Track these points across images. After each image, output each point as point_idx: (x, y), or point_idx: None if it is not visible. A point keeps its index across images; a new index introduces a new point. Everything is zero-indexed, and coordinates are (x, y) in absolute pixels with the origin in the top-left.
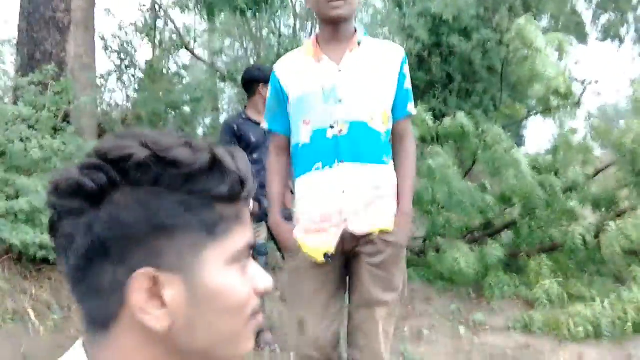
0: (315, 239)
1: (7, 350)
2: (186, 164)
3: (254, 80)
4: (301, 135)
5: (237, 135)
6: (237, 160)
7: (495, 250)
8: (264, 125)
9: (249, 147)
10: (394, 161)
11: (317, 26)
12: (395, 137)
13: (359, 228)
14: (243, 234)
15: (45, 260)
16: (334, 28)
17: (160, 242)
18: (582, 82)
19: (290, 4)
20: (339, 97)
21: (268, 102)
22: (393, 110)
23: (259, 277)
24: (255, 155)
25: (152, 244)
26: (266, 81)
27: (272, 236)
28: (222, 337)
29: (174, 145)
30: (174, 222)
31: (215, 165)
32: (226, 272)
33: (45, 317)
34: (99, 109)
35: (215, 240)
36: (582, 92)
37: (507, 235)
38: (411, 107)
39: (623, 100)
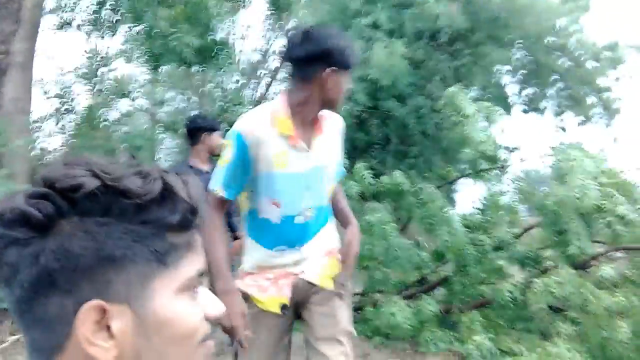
0: (270, 292)
1: None
2: (137, 194)
3: (198, 129)
4: (268, 213)
5: None
6: (189, 188)
7: (430, 306)
8: (212, 185)
9: None
10: (334, 204)
11: (287, 93)
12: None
13: (312, 277)
14: (194, 262)
15: None
16: (317, 112)
17: (109, 273)
18: (508, 149)
19: (236, 60)
20: (309, 184)
21: (228, 166)
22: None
23: (210, 304)
24: None
25: (100, 275)
26: (210, 129)
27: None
28: None
29: (125, 174)
30: (123, 253)
31: (166, 194)
32: (176, 301)
33: None
34: (31, 153)
35: (166, 269)
36: (508, 158)
37: (440, 291)
38: (343, 168)
39: (545, 166)
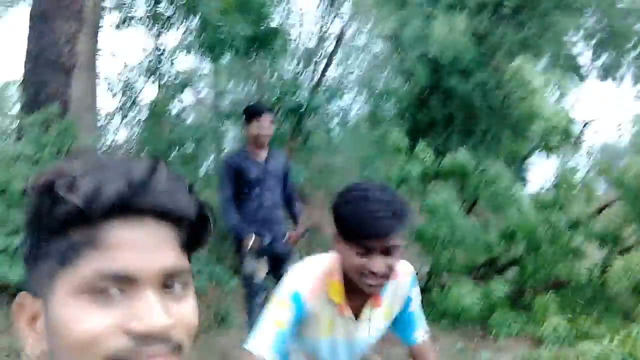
0: None
1: None
2: (31, 194)
3: (244, 117)
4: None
5: (237, 172)
6: (80, 181)
7: (500, 287)
8: (258, 349)
9: (249, 184)
10: None
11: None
12: (416, 358)
13: None
14: (96, 261)
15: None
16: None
17: (31, 269)
18: (582, 122)
19: (291, 47)
20: (354, 354)
21: (283, 332)
22: (401, 334)
23: (138, 315)
24: (256, 191)
25: (28, 270)
26: (249, 117)
27: (273, 268)
28: None
29: (38, 175)
30: (35, 252)
31: (51, 192)
32: (70, 303)
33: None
34: (100, 149)
35: (63, 268)
36: (582, 130)
37: (512, 272)
38: (423, 332)
39: (624, 138)
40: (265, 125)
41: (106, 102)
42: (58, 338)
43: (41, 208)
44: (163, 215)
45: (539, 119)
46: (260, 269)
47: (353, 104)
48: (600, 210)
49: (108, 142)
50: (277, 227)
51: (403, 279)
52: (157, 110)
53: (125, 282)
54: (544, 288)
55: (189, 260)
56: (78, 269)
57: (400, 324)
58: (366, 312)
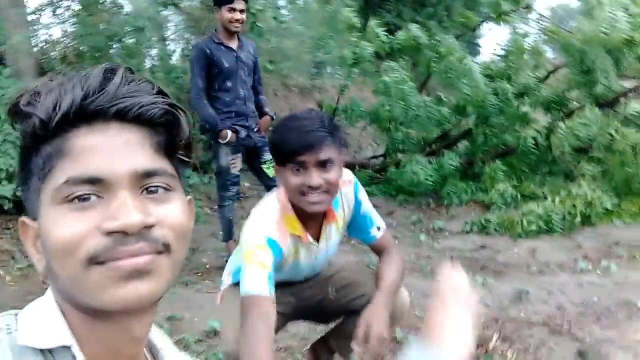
0: None
1: None
2: (8, 119)
3: (214, 2)
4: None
5: (209, 60)
6: (42, 96)
7: (451, 160)
8: (258, 290)
9: (221, 74)
10: (377, 269)
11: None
12: (378, 254)
13: None
14: (65, 169)
15: (1, 210)
16: (313, 213)
17: (25, 192)
18: None
19: None
20: (316, 269)
21: (270, 274)
22: (358, 236)
23: (112, 214)
24: (229, 83)
25: (24, 193)
26: (219, 3)
27: (248, 164)
28: (68, 282)
29: (17, 95)
30: (24, 174)
31: (16, 109)
32: (52, 212)
33: (9, 266)
34: (35, 47)
35: (44, 181)
36: None
37: (463, 145)
38: (376, 229)
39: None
40: (238, 11)
41: None
42: (47, 249)
43: (19, 130)
44: (127, 118)
45: None
46: (235, 163)
47: None
48: (547, 76)
49: (41, 40)
50: (251, 120)
51: (347, 188)
52: (89, 1)
53: (99, 186)
54: (492, 157)
55: (176, 165)
56: (52, 180)
57: (355, 227)
58: (324, 230)
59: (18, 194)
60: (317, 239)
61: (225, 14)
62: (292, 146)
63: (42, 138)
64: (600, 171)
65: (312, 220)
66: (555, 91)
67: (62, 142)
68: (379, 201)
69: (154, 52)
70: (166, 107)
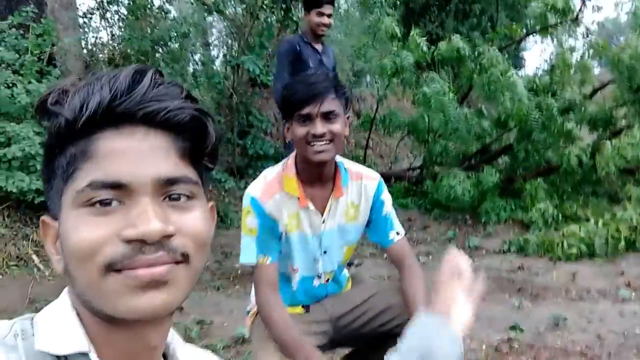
0: None
1: (14, 295)
2: (35, 117)
3: (304, 3)
4: (288, 278)
5: (297, 56)
6: (71, 95)
7: (491, 176)
8: (249, 259)
9: (305, 72)
10: (402, 286)
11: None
12: (395, 262)
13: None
14: (89, 172)
15: (43, 205)
16: (316, 169)
17: (48, 191)
18: None
19: None
20: (324, 248)
21: (258, 236)
22: (377, 239)
23: (132, 222)
24: None
25: (47, 192)
26: (307, 6)
27: None
28: (85, 288)
29: (39, 98)
30: (47, 173)
31: (44, 108)
32: (73, 215)
33: (50, 261)
34: (84, 49)
35: (67, 183)
36: (581, 7)
37: (503, 160)
38: (395, 233)
39: (623, 15)
40: (326, 15)
41: None
42: (65, 252)
43: (45, 128)
44: (154, 122)
45: None
46: None
47: None
48: (594, 93)
49: (90, 42)
50: None
51: (369, 182)
52: (137, 5)
53: (121, 191)
54: (533, 174)
55: (200, 172)
56: (75, 183)
57: (375, 228)
58: (330, 204)
59: None
60: (322, 212)
61: (314, 17)
62: (297, 98)
63: (67, 138)
64: None
65: (316, 189)
66: (602, 108)
67: (87, 144)
68: (414, 214)
69: (197, 57)
70: (194, 112)
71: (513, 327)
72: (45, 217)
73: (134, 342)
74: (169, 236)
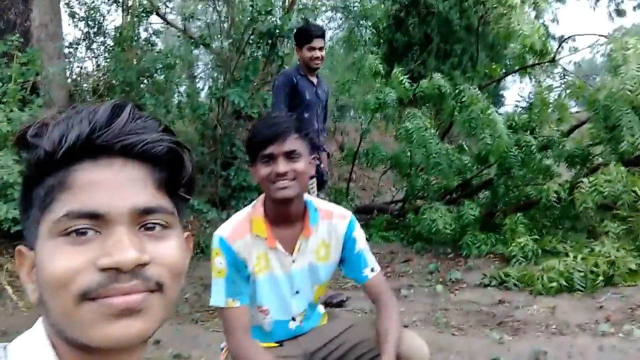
0: None
1: None
2: (14, 148)
3: (295, 40)
4: (259, 322)
5: (294, 89)
6: (50, 128)
7: (472, 210)
8: (218, 302)
9: (302, 105)
10: (376, 323)
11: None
12: (371, 298)
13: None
14: (66, 202)
15: (20, 235)
16: (283, 208)
17: (24, 221)
18: (559, 39)
19: None
20: (296, 288)
21: (227, 278)
22: (352, 275)
23: (108, 250)
24: (307, 115)
25: (23, 222)
26: (299, 43)
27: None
28: (59, 317)
29: (19, 130)
30: (24, 203)
31: (23, 140)
32: (49, 244)
33: (24, 294)
34: (68, 79)
35: (44, 212)
36: (558, 49)
37: (484, 195)
38: (370, 270)
39: (598, 57)
40: (317, 49)
41: (70, 29)
42: (40, 280)
43: (23, 159)
44: (131, 154)
45: (516, 37)
46: (313, 187)
47: (329, 25)
48: (571, 130)
49: (75, 72)
50: (320, 153)
51: (339, 221)
52: (124, 37)
53: (98, 221)
54: (513, 209)
55: (177, 202)
56: (52, 213)
57: (349, 265)
58: (299, 243)
59: None
60: (291, 252)
61: (305, 53)
62: (260, 139)
63: (46, 169)
64: (624, 230)
65: (284, 229)
66: (579, 146)
67: (65, 175)
68: (396, 247)
69: (182, 89)
70: (170, 145)
71: None
72: (21, 247)
73: None
74: (143, 265)
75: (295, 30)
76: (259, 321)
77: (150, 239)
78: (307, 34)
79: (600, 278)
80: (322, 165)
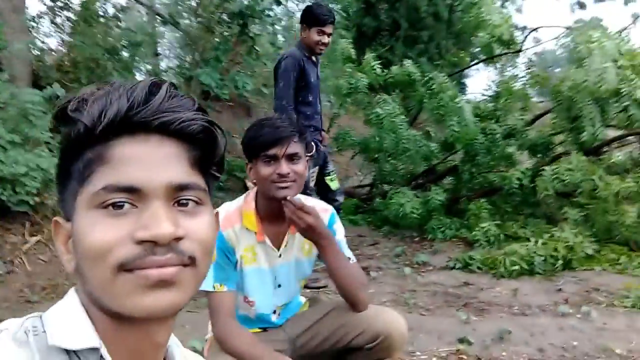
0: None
1: None
2: (53, 122)
3: (301, 18)
4: (245, 310)
5: (302, 71)
6: (89, 103)
7: (437, 195)
8: (206, 286)
9: (307, 87)
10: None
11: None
12: None
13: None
14: (105, 175)
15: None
16: (277, 206)
17: (62, 193)
18: (523, 30)
19: None
20: (278, 282)
21: (216, 263)
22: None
23: (144, 224)
24: (311, 97)
25: (60, 194)
26: (307, 24)
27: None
28: (96, 286)
29: (58, 103)
30: (63, 176)
31: (63, 114)
32: (86, 216)
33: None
34: (32, 54)
35: (81, 186)
36: (524, 40)
37: (449, 181)
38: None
39: (561, 48)
40: (327, 34)
41: (34, 2)
42: (78, 251)
43: (62, 133)
44: (167, 131)
45: (484, 28)
46: (313, 176)
47: (299, 7)
48: (534, 120)
49: (38, 47)
50: (322, 133)
51: (322, 214)
52: (90, 12)
53: (134, 195)
54: (477, 195)
55: (208, 180)
56: (91, 185)
57: None
58: (286, 239)
59: None
60: (278, 247)
61: (314, 35)
62: (264, 140)
63: (85, 143)
64: (582, 217)
65: (274, 226)
66: (541, 135)
67: (103, 150)
68: (364, 230)
69: (148, 67)
70: (205, 123)
71: (461, 340)
72: (58, 218)
73: (141, 340)
74: (178, 239)
75: (307, 9)
76: (246, 310)
77: (184, 215)
78: (320, 17)
79: (560, 262)
80: (325, 144)
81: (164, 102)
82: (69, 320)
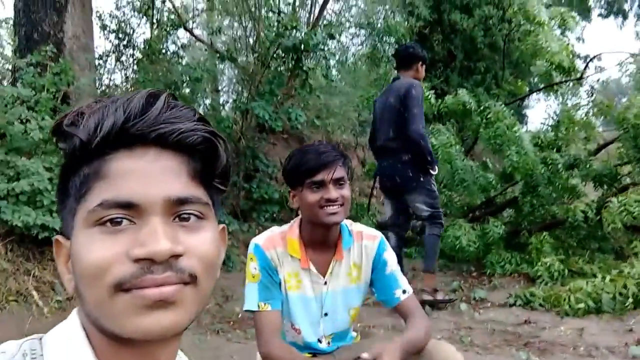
0: None
1: (10, 331)
2: (51, 138)
3: (413, 57)
4: (293, 338)
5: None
6: (85, 117)
7: (496, 228)
8: (251, 306)
9: (425, 116)
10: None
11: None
12: (403, 318)
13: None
14: (102, 192)
15: (47, 241)
16: (323, 232)
17: (61, 211)
18: (585, 58)
19: None
20: (325, 310)
21: (260, 282)
22: (383, 298)
23: (142, 241)
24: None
25: (60, 213)
26: (424, 61)
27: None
28: (94, 307)
29: (55, 120)
30: (62, 194)
31: (59, 129)
32: (83, 234)
33: (49, 298)
34: (98, 90)
35: (79, 202)
36: (585, 67)
37: (508, 213)
38: (402, 292)
39: (625, 76)
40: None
41: (101, 41)
42: (76, 271)
43: (60, 150)
44: (166, 144)
45: (542, 55)
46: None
47: (352, 41)
48: (599, 150)
49: (104, 83)
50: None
51: (369, 242)
52: (152, 50)
53: (132, 211)
54: (539, 228)
55: (211, 193)
56: (88, 202)
57: (380, 287)
58: (332, 266)
59: None
60: (323, 274)
61: (422, 73)
62: (310, 166)
63: (81, 159)
64: None
65: (319, 252)
66: (607, 165)
67: (100, 164)
68: (418, 264)
69: (207, 101)
70: (205, 134)
71: None
72: (58, 237)
73: None
74: (177, 256)
75: (419, 47)
76: (294, 338)
77: (184, 230)
78: (425, 55)
79: (630, 300)
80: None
81: (161, 113)
82: (68, 343)
